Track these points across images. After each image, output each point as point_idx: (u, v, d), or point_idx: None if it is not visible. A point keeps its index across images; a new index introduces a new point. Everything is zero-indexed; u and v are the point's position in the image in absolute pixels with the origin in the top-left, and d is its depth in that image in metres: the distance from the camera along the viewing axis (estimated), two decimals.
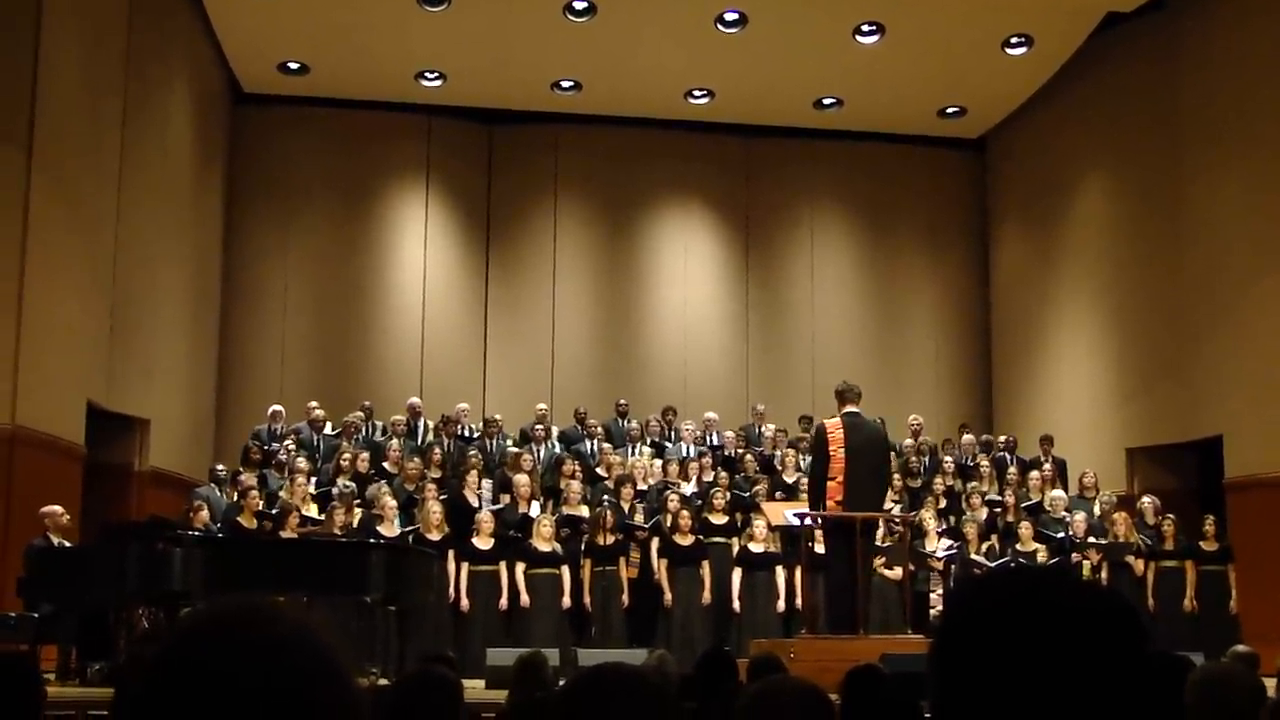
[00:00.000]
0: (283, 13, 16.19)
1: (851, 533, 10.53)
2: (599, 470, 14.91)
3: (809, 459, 13.89)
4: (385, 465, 14.35)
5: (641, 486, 14.14)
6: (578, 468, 14.37)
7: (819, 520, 10.76)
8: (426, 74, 17.92)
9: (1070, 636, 1.29)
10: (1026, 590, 1.34)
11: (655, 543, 13.15)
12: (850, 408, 10.68)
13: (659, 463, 14.94)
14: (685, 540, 13.00)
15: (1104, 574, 13.26)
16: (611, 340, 19.22)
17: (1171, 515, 13.76)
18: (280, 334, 18.23)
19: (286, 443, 14.97)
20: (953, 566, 13.47)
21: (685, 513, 13.07)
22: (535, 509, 13.40)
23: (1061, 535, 13.76)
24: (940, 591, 13.37)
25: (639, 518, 13.44)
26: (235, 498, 13.24)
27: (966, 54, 17.25)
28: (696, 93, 18.51)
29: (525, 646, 8.82)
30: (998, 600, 1.34)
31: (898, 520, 13.28)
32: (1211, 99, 15.53)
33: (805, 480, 12.37)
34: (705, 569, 12.99)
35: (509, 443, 15.58)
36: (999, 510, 14.53)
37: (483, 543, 12.69)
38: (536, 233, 19.31)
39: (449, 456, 14.76)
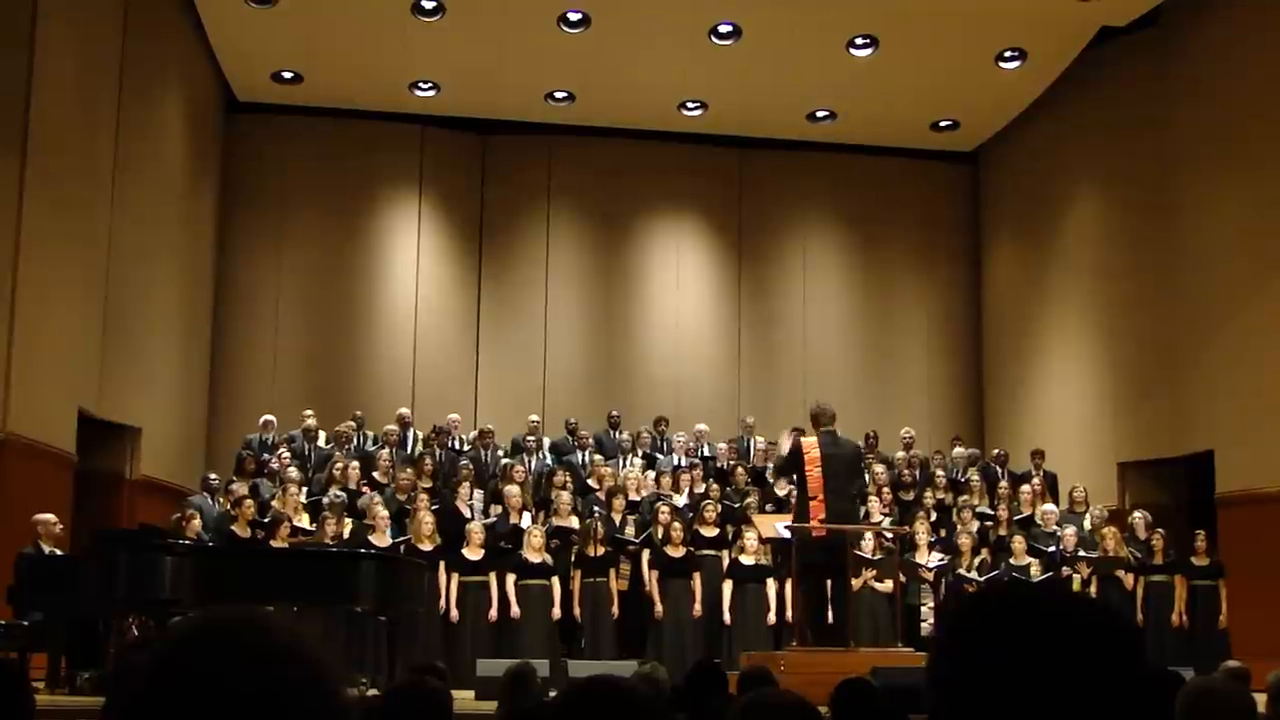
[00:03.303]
0: (277, 22, 16.19)
1: (827, 548, 10.78)
2: (590, 482, 14.90)
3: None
4: (375, 475, 14.33)
5: (634, 498, 14.14)
6: (569, 479, 14.36)
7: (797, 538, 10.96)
8: (420, 84, 17.92)
9: (1068, 651, 1.29)
10: (1023, 604, 1.35)
11: (646, 554, 13.15)
12: (825, 428, 10.94)
13: (651, 474, 14.93)
14: (676, 552, 13.00)
15: (1093, 588, 13.27)
16: (604, 351, 19.22)
17: (1160, 530, 13.76)
18: (272, 343, 18.20)
19: (280, 452, 14.95)
20: (944, 579, 13.47)
21: (677, 524, 13.06)
22: (526, 520, 13.38)
23: (1052, 549, 13.76)
24: (931, 605, 13.37)
25: (630, 530, 13.42)
26: (229, 507, 13.21)
27: (960, 67, 17.29)
28: (690, 104, 18.54)
29: (515, 657, 8.81)
30: (995, 613, 1.34)
31: (889, 533, 13.32)
32: (1204, 114, 15.56)
33: (793, 491, 12.42)
34: (696, 581, 12.99)
35: (500, 453, 15.58)
36: (990, 524, 14.54)
37: (473, 554, 12.68)
38: (529, 243, 19.31)
39: (441, 467, 14.74)
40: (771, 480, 14.89)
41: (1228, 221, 15.07)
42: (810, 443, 10.88)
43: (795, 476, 11.15)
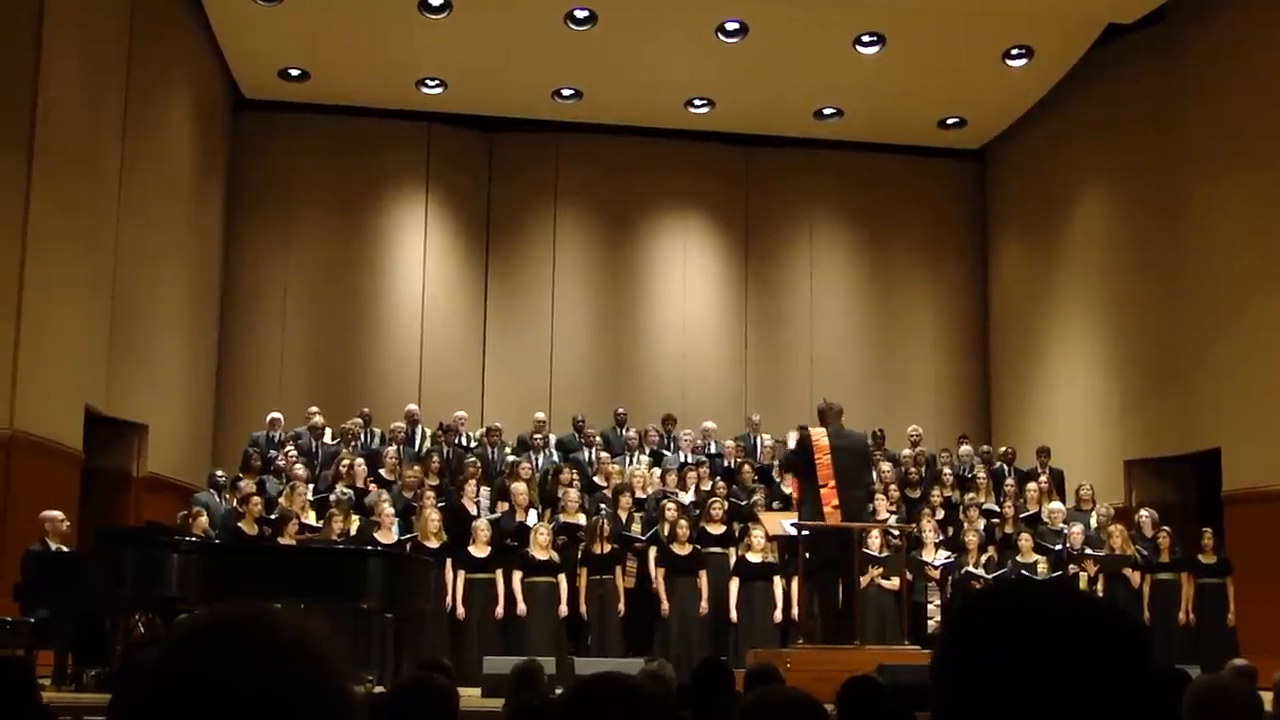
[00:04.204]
0: (283, 20, 16.20)
1: (838, 543, 10.82)
2: (597, 479, 14.90)
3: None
4: (382, 472, 14.34)
5: (640, 495, 14.13)
6: (575, 476, 14.35)
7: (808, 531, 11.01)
8: (427, 81, 17.91)
9: (1074, 649, 1.29)
10: (1029, 602, 1.34)
11: (653, 552, 13.15)
12: (832, 423, 11.08)
13: (657, 471, 14.93)
14: (683, 549, 13.00)
15: (1100, 586, 13.25)
16: (610, 349, 19.22)
17: (1167, 528, 13.75)
18: (279, 340, 18.22)
19: (287, 449, 14.97)
20: (950, 577, 13.47)
21: (683, 522, 13.07)
22: (533, 517, 13.39)
23: (1059, 547, 13.75)
24: (938, 602, 13.36)
25: (636, 527, 13.43)
26: (235, 504, 13.23)
27: (967, 65, 17.27)
28: (697, 102, 18.53)
29: (522, 655, 8.81)
30: (1001, 612, 1.34)
31: (896, 531, 13.31)
32: (1211, 112, 15.53)
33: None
34: (703, 579, 12.99)
35: (507, 451, 15.59)
36: (997, 521, 14.53)
37: (479, 551, 12.68)
38: (536, 241, 19.32)
39: (447, 464, 14.75)
40: (778, 476, 14.89)
41: (1235, 219, 15.04)
42: (819, 433, 10.99)
43: (804, 469, 11.14)
